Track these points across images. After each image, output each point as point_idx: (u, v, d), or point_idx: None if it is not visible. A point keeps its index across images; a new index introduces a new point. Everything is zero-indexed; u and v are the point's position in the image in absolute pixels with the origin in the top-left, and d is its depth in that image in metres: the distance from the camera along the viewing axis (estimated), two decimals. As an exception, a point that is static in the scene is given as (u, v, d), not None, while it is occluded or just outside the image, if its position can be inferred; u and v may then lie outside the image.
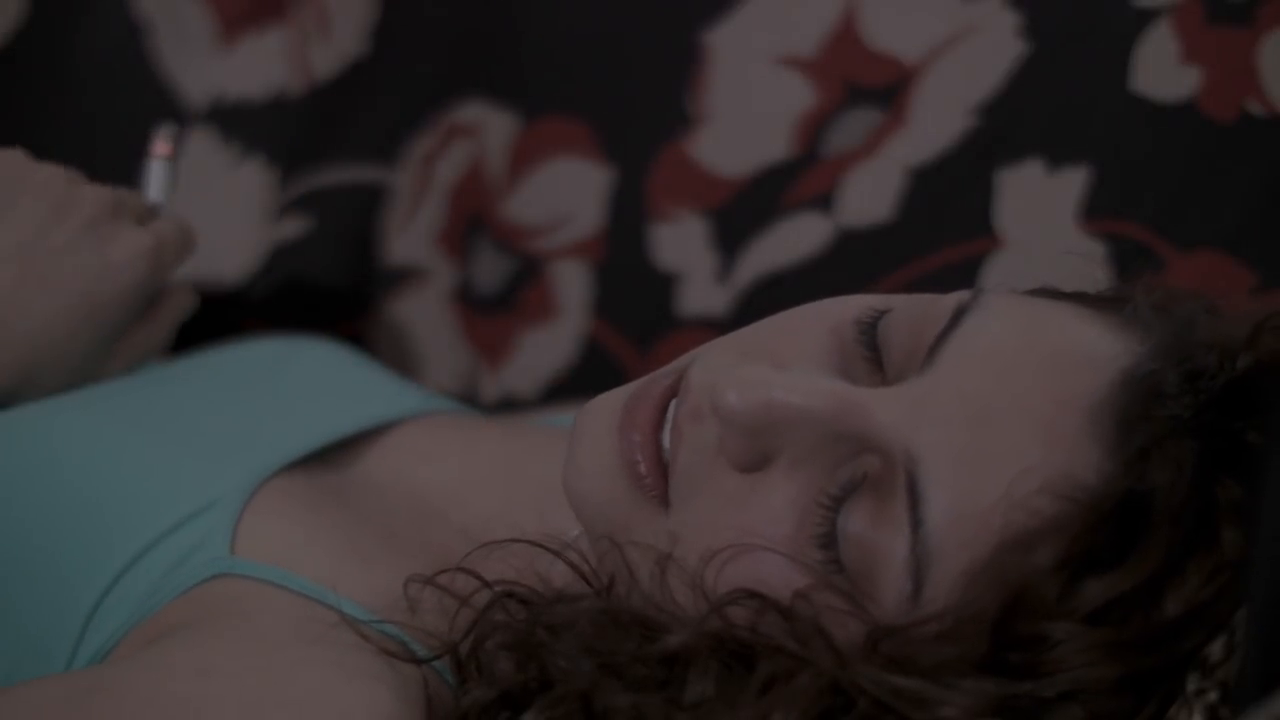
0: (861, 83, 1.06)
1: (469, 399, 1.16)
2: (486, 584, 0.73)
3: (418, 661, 0.72)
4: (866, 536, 0.69)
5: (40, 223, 0.90)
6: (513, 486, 0.87)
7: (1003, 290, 0.75)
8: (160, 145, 0.97)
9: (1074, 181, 0.96)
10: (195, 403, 0.92)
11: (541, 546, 0.75)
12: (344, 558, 0.78)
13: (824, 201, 1.05)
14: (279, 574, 0.76)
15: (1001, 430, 0.69)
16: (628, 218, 1.12)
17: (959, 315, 0.72)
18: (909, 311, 0.73)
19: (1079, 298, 0.77)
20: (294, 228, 1.18)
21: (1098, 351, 0.71)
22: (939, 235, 1.01)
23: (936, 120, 1.03)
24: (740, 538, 0.70)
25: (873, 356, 0.73)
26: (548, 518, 0.80)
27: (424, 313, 1.18)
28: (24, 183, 0.92)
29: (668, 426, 0.74)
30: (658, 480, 0.73)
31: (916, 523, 0.68)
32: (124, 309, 0.92)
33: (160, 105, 1.21)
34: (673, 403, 0.74)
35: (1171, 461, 0.68)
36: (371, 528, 0.82)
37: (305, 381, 0.96)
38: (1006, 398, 0.69)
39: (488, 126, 1.17)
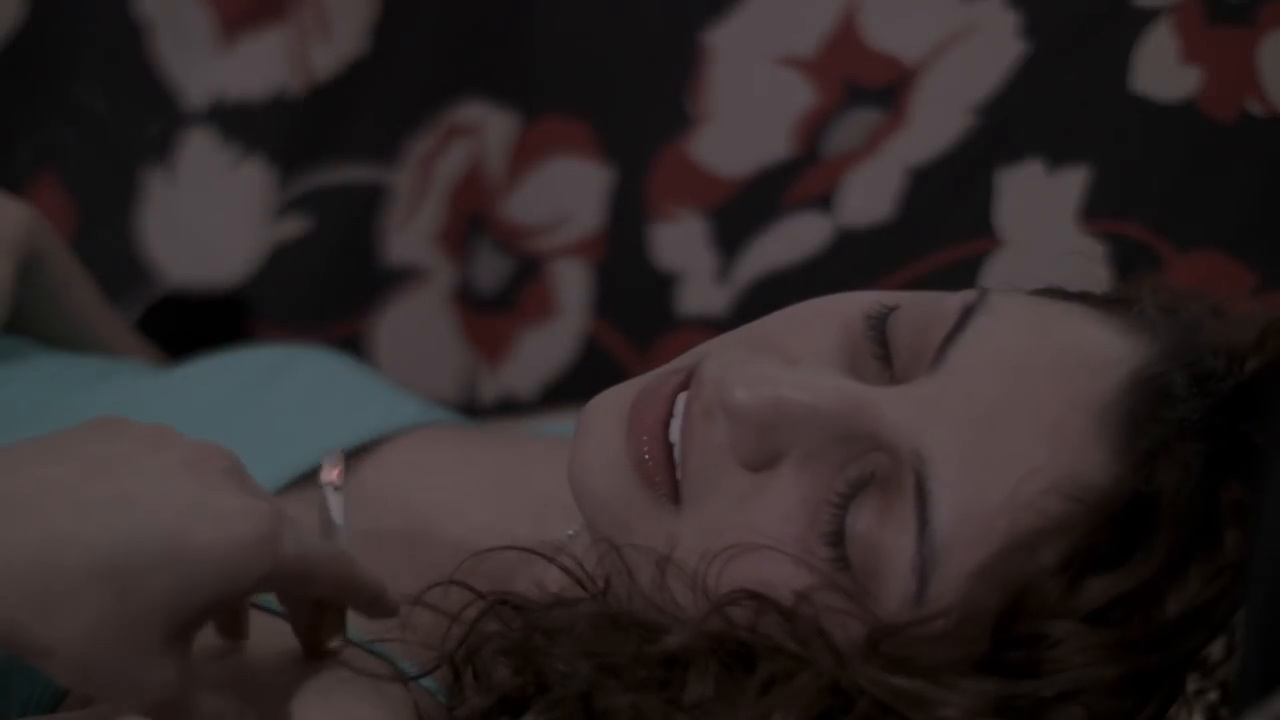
0: (861, 82, 1.06)
1: (468, 399, 1.16)
2: (479, 594, 0.72)
3: (407, 681, 0.72)
4: (873, 535, 0.69)
5: (132, 449, 0.67)
6: (508, 498, 0.87)
7: (1009, 290, 0.75)
8: (326, 470, 0.76)
9: (1074, 181, 0.96)
10: (191, 418, 0.91)
11: (534, 553, 0.74)
12: None
13: (824, 201, 1.05)
14: (269, 600, 0.75)
15: (1009, 431, 0.69)
16: (628, 217, 1.12)
17: (966, 315, 0.72)
18: (916, 310, 0.73)
19: (1085, 298, 0.77)
20: (294, 228, 1.18)
21: (1106, 353, 0.71)
22: (939, 235, 1.01)
23: (936, 120, 1.03)
24: (750, 536, 0.70)
25: (882, 353, 0.73)
26: (544, 527, 0.79)
27: (424, 313, 1.18)
28: (122, 424, 0.69)
29: (674, 423, 0.74)
30: (667, 478, 0.73)
31: (923, 522, 0.68)
32: (215, 577, 0.65)
33: (160, 105, 1.21)
34: (679, 399, 0.74)
35: (1179, 464, 0.68)
36: (364, 546, 0.81)
37: (300, 394, 0.96)
38: (1015, 399, 0.69)
39: (488, 126, 1.17)
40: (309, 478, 0.88)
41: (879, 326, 0.74)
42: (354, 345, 1.17)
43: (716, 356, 0.75)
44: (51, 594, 0.61)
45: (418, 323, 1.17)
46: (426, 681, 0.73)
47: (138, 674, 0.63)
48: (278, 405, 0.94)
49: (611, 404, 0.75)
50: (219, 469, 0.67)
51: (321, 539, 0.70)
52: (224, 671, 0.69)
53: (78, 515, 0.63)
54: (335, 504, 0.74)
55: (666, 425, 0.74)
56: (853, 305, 0.75)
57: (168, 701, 0.64)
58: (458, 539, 0.84)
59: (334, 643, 0.72)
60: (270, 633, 0.73)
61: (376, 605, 0.71)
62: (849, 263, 1.03)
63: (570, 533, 0.80)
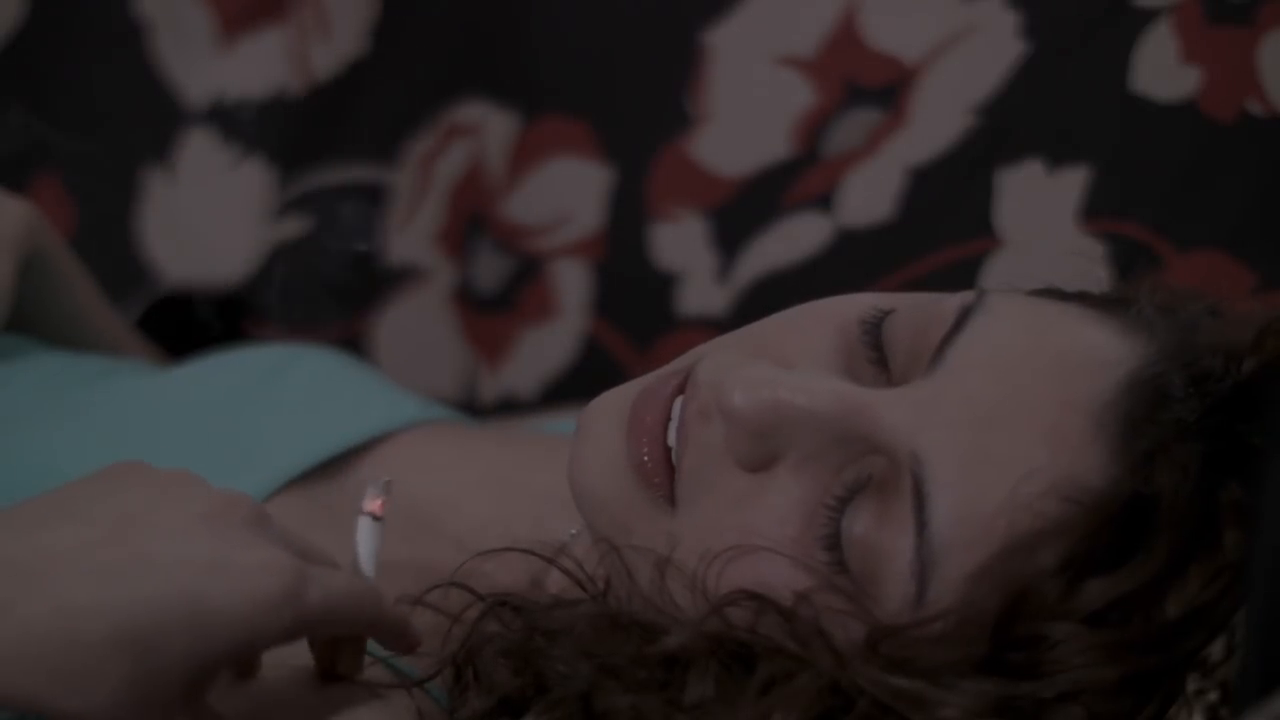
0: (861, 82, 1.06)
1: (468, 398, 1.17)
2: (479, 596, 0.72)
3: (409, 687, 0.71)
4: (871, 538, 0.69)
5: (149, 503, 0.66)
6: (509, 496, 0.87)
7: (1007, 291, 0.75)
8: (369, 499, 0.73)
9: (1074, 181, 0.96)
10: (193, 417, 0.92)
11: (534, 554, 0.74)
12: None
13: (824, 201, 1.05)
14: None
15: (1007, 433, 0.69)
16: (628, 217, 1.12)
17: (964, 317, 0.72)
18: (913, 312, 0.73)
19: (1083, 298, 0.77)
20: (294, 228, 1.18)
21: (1103, 354, 0.71)
22: (939, 235, 1.01)
23: (936, 120, 1.03)
24: (747, 538, 0.70)
25: (877, 356, 0.73)
26: (544, 526, 0.79)
27: (424, 313, 1.18)
28: (141, 472, 0.68)
29: (673, 425, 0.74)
30: (665, 479, 0.73)
31: (921, 524, 0.68)
32: (237, 634, 0.64)
33: (160, 105, 1.21)
34: (678, 401, 0.74)
35: (1177, 465, 0.68)
36: None
37: (301, 392, 0.96)
38: (1012, 400, 0.69)
39: (488, 126, 1.17)
40: (310, 476, 0.88)
41: (874, 331, 0.73)
42: (354, 345, 1.17)
43: (712, 359, 0.75)
44: (73, 668, 0.61)
45: (418, 323, 1.17)
46: (428, 684, 0.73)
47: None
48: (279, 403, 0.94)
49: (611, 405, 0.75)
50: (240, 520, 0.66)
51: (346, 576, 0.68)
52: (230, 696, 0.69)
53: (94, 583, 0.62)
54: (368, 536, 0.72)
55: (665, 427, 0.74)
56: (848, 309, 0.75)
57: None
58: (458, 535, 0.84)
59: (353, 673, 0.71)
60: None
61: (399, 641, 0.71)
62: (849, 263, 1.03)
63: (573, 532, 0.80)
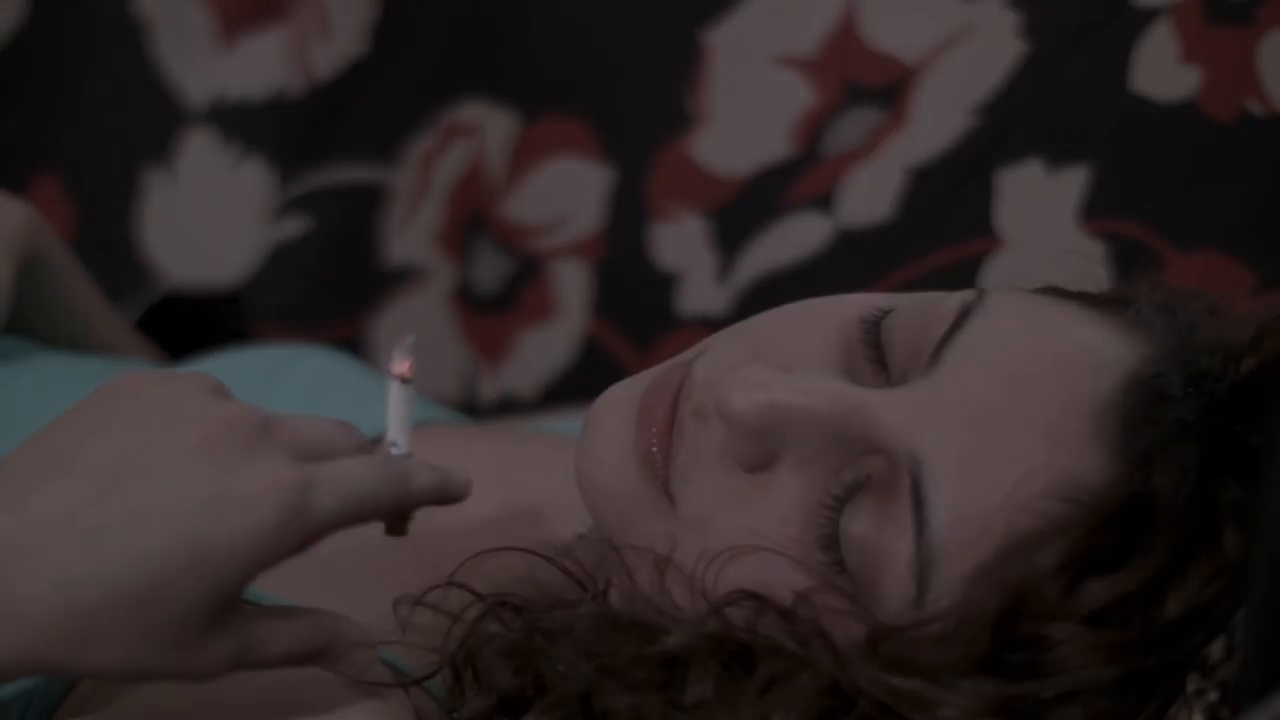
0: (861, 82, 1.06)
1: (468, 399, 1.17)
2: (479, 596, 0.72)
3: (408, 685, 0.71)
4: (870, 538, 0.69)
5: (138, 440, 0.64)
6: (509, 495, 0.87)
7: (1006, 290, 0.75)
8: (397, 363, 0.71)
9: (1074, 181, 0.96)
10: None
11: (535, 554, 0.74)
12: (334, 586, 0.77)
13: (824, 201, 1.05)
14: (262, 593, 0.75)
15: (1006, 433, 0.69)
16: (628, 217, 1.12)
17: (963, 316, 0.72)
18: (912, 311, 0.73)
19: (1083, 298, 0.77)
20: (294, 228, 1.18)
21: (1102, 354, 0.71)
22: (939, 235, 1.01)
23: (936, 120, 1.03)
24: (746, 538, 0.70)
25: (876, 356, 0.73)
26: (545, 526, 0.79)
27: (424, 313, 1.18)
28: (132, 395, 0.66)
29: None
30: (668, 473, 0.73)
31: (920, 525, 0.68)
32: (246, 564, 0.63)
33: (160, 105, 1.21)
34: None
35: (1175, 465, 0.68)
36: (364, 540, 0.81)
37: (302, 392, 0.96)
38: (1011, 400, 0.69)
39: (488, 126, 1.17)
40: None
41: (873, 331, 0.73)
42: (354, 345, 1.17)
43: (709, 357, 0.75)
44: (78, 634, 0.61)
45: (418, 323, 1.17)
46: (428, 683, 0.73)
47: (188, 662, 0.63)
48: (280, 403, 0.94)
49: (622, 397, 0.75)
50: (239, 440, 0.64)
51: (361, 468, 0.67)
52: (229, 690, 0.69)
53: (87, 551, 0.62)
54: (400, 399, 0.71)
55: (674, 420, 0.74)
56: (847, 309, 0.75)
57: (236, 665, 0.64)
58: (459, 534, 0.84)
59: (399, 534, 0.69)
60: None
61: (444, 498, 0.70)
62: (849, 263, 1.03)
63: (580, 533, 0.80)
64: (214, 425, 0.65)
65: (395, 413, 0.71)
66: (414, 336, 0.71)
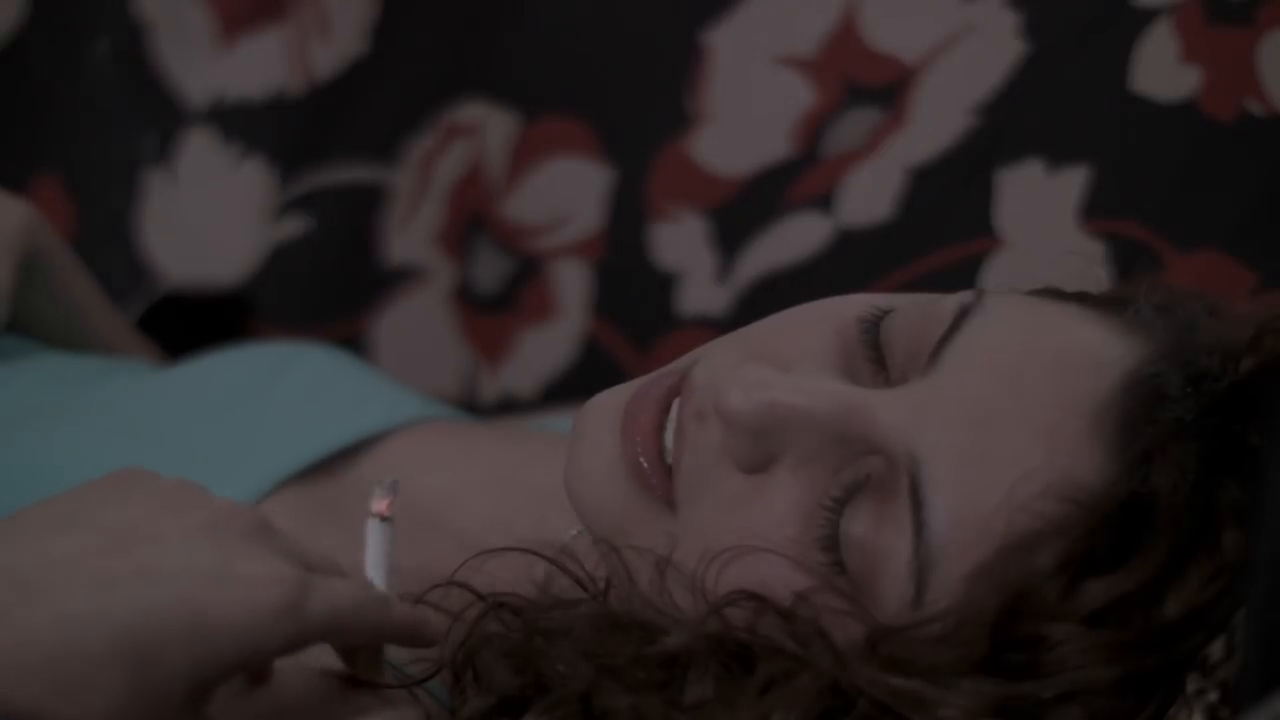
0: (861, 82, 1.06)
1: (468, 399, 1.17)
2: (480, 596, 0.72)
3: (408, 686, 0.71)
4: (869, 539, 0.69)
5: (151, 513, 0.65)
6: (510, 493, 0.87)
7: (1005, 291, 0.75)
8: (376, 500, 0.72)
9: (1074, 181, 0.96)
10: (194, 414, 0.92)
11: (535, 554, 0.74)
12: None
13: (824, 201, 1.05)
14: None
15: (1004, 433, 0.69)
16: (628, 218, 1.12)
17: (962, 317, 0.72)
18: (911, 312, 0.73)
19: (1082, 298, 0.77)
20: (294, 228, 1.18)
21: (1101, 354, 0.71)
22: (939, 235, 1.01)
23: (936, 120, 1.03)
24: (745, 539, 0.70)
25: (876, 356, 0.73)
26: (546, 524, 0.79)
27: (424, 313, 1.18)
28: (148, 479, 0.68)
29: (670, 426, 0.74)
30: (662, 481, 0.73)
31: (919, 525, 0.68)
32: (239, 645, 0.63)
33: (160, 105, 1.21)
34: (675, 402, 0.74)
35: (1174, 465, 0.68)
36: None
37: (302, 390, 0.96)
38: (1009, 401, 0.69)
39: (488, 126, 1.17)
40: (311, 473, 0.88)
41: (872, 331, 0.73)
42: (354, 345, 1.17)
43: (709, 361, 0.75)
44: (71, 677, 0.60)
45: (418, 323, 1.18)
46: (429, 683, 0.73)
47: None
48: (280, 401, 0.94)
49: (605, 408, 0.75)
50: (242, 530, 0.65)
51: (351, 586, 0.68)
52: (237, 703, 0.68)
53: (95, 592, 0.61)
54: (378, 537, 0.72)
55: (660, 429, 0.74)
56: (846, 309, 0.75)
57: None
58: (459, 532, 0.84)
59: (372, 677, 0.70)
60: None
61: (416, 640, 0.70)
62: (849, 263, 1.03)
63: (574, 533, 0.80)
64: (220, 514, 0.66)
65: (374, 551, 0.72)
66: (398, 479, 0.73)
